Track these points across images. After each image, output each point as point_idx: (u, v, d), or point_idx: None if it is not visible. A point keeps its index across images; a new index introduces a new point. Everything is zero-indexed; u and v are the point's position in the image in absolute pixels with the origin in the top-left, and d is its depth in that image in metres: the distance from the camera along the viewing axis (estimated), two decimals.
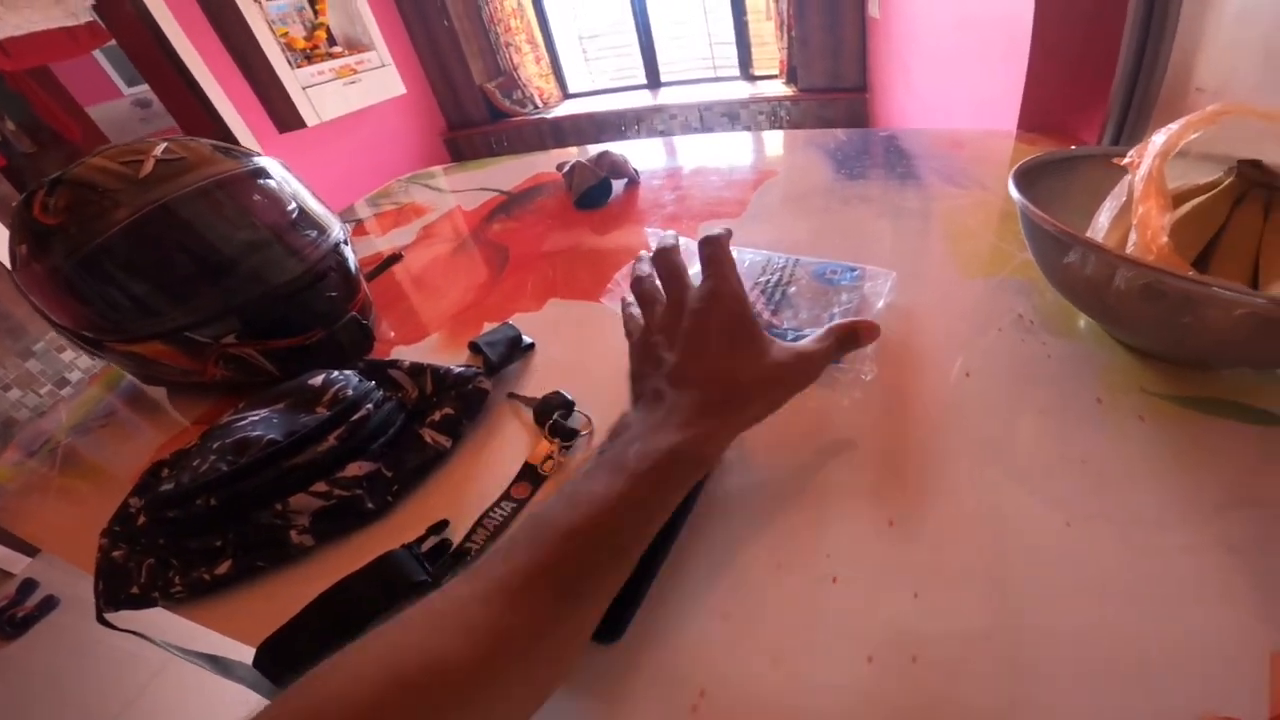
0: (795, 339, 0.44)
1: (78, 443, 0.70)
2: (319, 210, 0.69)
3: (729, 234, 0.44)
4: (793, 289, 0.61)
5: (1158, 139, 0.44)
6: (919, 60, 1.98)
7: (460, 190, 1.17)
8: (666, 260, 0.44)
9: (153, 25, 2.13)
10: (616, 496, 0.32)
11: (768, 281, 0.63)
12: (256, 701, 0.35)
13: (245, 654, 0.43)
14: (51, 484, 0.64)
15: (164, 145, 0.61)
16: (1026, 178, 0.53)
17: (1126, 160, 0.46)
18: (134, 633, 0.48)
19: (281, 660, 0.37)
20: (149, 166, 0.57)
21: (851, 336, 0.43)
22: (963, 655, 0.32)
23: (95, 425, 0.72)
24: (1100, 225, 0.49)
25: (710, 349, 0.38)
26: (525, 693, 0.28)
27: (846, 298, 0.58)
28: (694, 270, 0.46)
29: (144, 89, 2.81)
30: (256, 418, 0.52)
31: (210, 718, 1.40)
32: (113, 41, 2.32)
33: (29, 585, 1.92)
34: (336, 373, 0.54)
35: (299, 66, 2.49)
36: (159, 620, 0.46)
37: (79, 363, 2.07)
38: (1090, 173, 0.56)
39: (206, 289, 0.60)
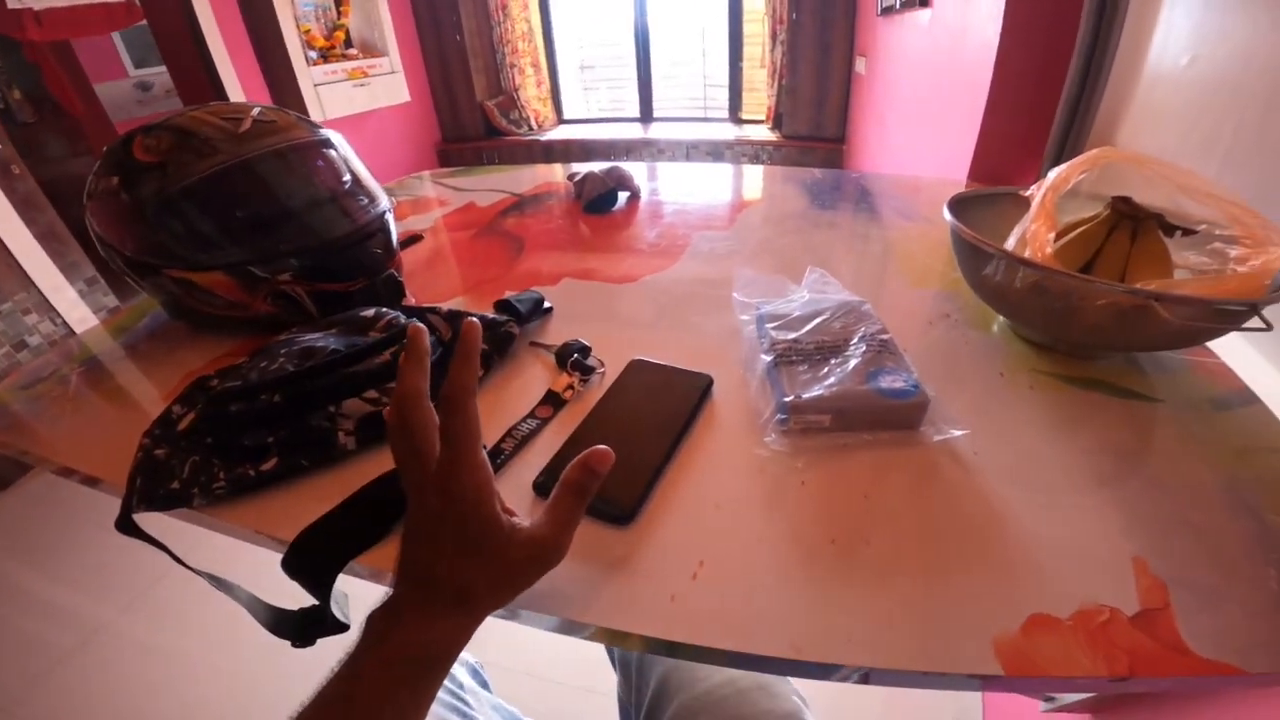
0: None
1: (92, 372, 0.73)
2: (371, 183, 0.80)
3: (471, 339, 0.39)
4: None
5: (1050, 176, 0.58)
6: (894, 117, 2.17)
7: (473, 190, 1.29)
8: (406, 410, 0.37)
9: (188, 7, 2.20)
10: (378, 690, 0.32)
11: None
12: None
13: (244, 577, 0.51)
14: (65, 406, 0.66)
15: (259, 109, 0.72)
16: (959, 207, 0.67)
17: (1028, 193, 0.60)
18: (154, 541, 0.51)
19: (311, 550, 0.43)
20: (248, 124, 0.68)
21: (588, 478, 0.38)
22: (900, 544, 0.43)
23: (108, 361, 0.75)
24: (1009, 245, 0.63)
25: (443, 544, 0.35)
26: None
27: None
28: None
29: (148, 72, 2.86)
30: (315, 335, 0.60)
31: (106, 709, 1.35)
32: (142, 21, 2.39)
33: None
34: (385, 308, 0.65)
35: (315, 64, 2.59)
36: (174, 534, 0.50)
37: (41, 327, 2.08)
38: (1009, 207, 0.70)
39: (273, 233, 0.69)
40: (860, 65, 2.78)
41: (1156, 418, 0.54)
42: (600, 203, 1.08)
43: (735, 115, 3.71)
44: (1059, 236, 0.58)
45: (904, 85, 2.03)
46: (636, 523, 0.45)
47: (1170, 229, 0.58)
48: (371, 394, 0.56)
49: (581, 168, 1.17)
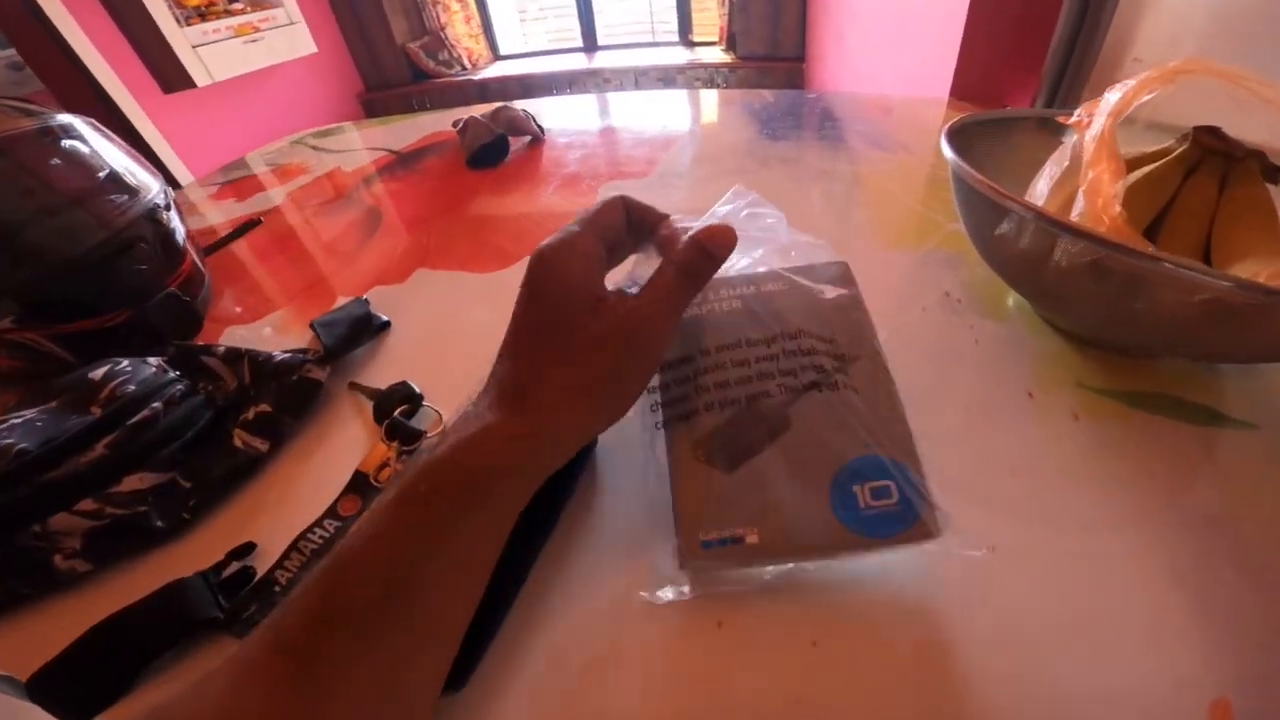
0: None
1: None
2: (133, 172, 0.57)
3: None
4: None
5: (1111, 96, 0.37)
6: (855, 29, 1.93)
7: (349, 150, 1.04)
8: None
9: None
10: (358, 539, 0.24)
11: None
12: None
13: None
14: None
15: None
16: (959, 138, 0.46)
17: (1074, 119, 0.40)
18: None
19: (59, 693, 0.32)
20: None
21: (703, 260, 0.31)
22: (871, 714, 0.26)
23: None
24: (1039, 192, 0.43)
25: (517, 328, 0.30)
26: None
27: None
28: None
29: (12, 52, 2.53)
30: (19, 420, 0.41)
31: None
32: None
33: None
34: (125, 363, 0.44)
35: (190, 24, 2.25)
36: None
37: None
38: (1026, 137, 0.50)
39: None
40: None
41: (1251, 453, 0.36)
42: (487, 154, 0.85)
43: (686, 38, 3.41)
44: None
45: None
46: (465, 690, 0.28)
47: (1276, 172, 0.38)
48: (88, 505, 0.37)
49: (465, 112, 0.93)
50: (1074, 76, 0.85)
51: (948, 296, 0.49)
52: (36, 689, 0.31)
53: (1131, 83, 0.37)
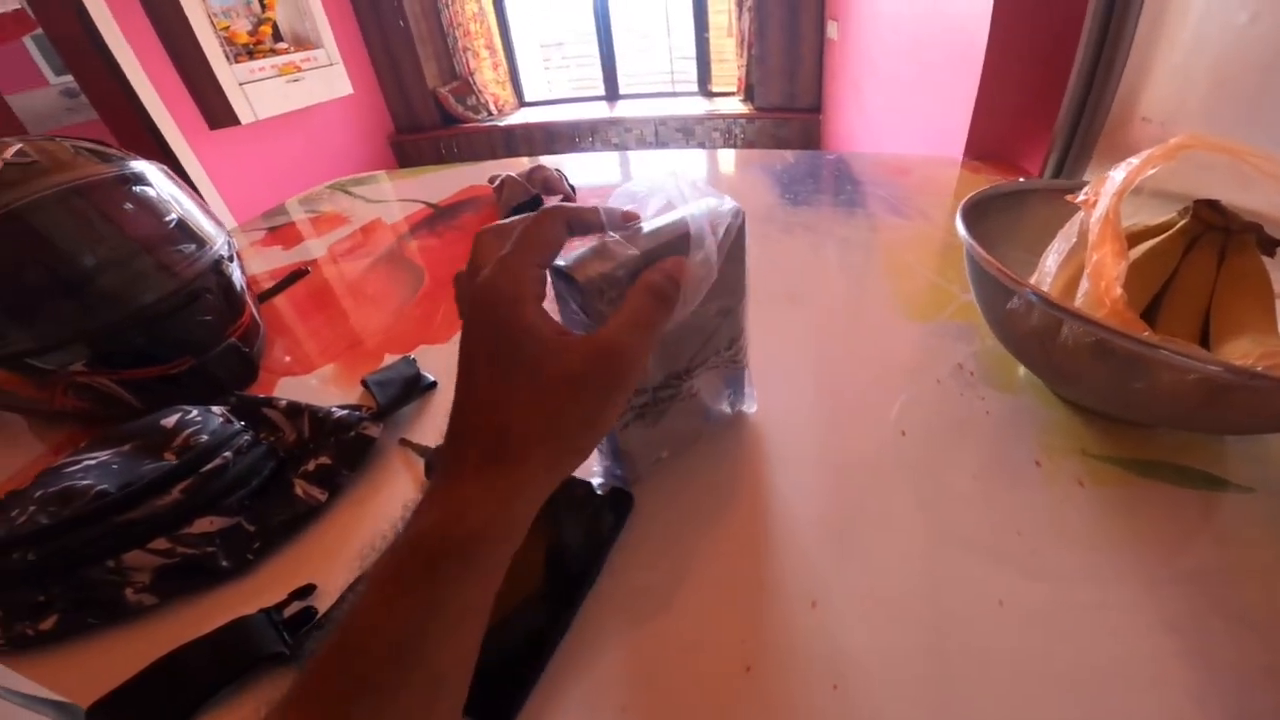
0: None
1: None
2: (200, 223, 0.62)
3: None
4: None
5: (1116, 175, 0.40)
6: (872, 84, 1.98)
7: (386, 200, 1.09)
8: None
9: (83, 12, 1.97)
10: (364, 608, 0.24)
11: None
12: None
13: None
14: None
15: (16, 147, 0.53)
16: (974, 212, 0.49)
17: (1081, 198, 0.43)
18: None
19: None
20: None
21: (669, 285, 0.30)
22: None
23: None
24: (1047, 269, 0.46)
25: (477, 376, 0.27)
26: None
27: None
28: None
29: (72, 78, 2.65)
30: (93, 462, 0.45)
31: None
32: (38, 30, 2.17)
33: None
34: (195, 412, 0.47)
35: (238, 61, 2.36)
36: None
37: None
38: (1039, 207, 0.53)
39: (54, 310, 0.52)
40: (832, 30, 2.58)
41: (1247, 514, 0.38)
42: (522, 213, 0.89)
43: (705, 88, 3.49)
44: None
45: (881, 49, 1.84)
46: None
47: (1272, 245, 0.41)
48: (161, 544, 0.40)
49: (512, 168, 0.98)
50: (1085, 135, 0.88)
51: (960, 369, 0.51)
52: (96, 717, 0.33)
53: (1136, 160, 0.39)
